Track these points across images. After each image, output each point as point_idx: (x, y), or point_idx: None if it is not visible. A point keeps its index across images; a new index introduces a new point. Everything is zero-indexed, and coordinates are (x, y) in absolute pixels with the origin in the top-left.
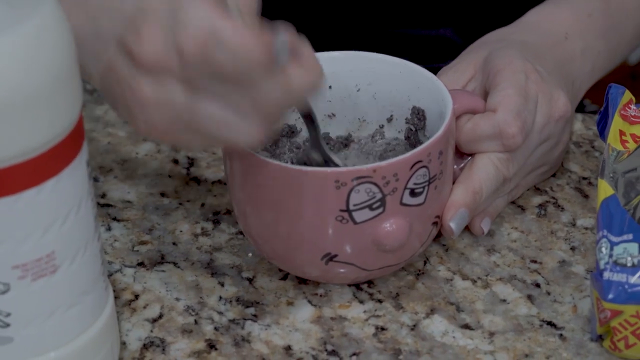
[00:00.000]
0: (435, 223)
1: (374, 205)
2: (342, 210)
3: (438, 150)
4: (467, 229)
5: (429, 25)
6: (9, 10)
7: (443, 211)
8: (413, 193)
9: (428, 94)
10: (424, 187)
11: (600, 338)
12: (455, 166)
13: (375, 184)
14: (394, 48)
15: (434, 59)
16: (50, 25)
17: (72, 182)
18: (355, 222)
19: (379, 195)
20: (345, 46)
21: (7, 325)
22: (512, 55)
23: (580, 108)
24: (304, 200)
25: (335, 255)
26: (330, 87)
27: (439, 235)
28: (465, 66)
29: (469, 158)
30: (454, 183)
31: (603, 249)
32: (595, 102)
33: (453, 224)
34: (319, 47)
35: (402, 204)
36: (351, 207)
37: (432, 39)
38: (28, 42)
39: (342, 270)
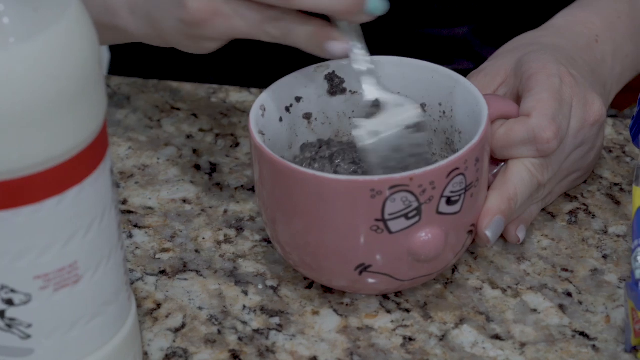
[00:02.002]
0: (470, 232)
1: (410, 215)
2: (377, 220)
3: (475, 157)
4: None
5: (448, 24)
6: (33, 15)
7: (478, 219)
8: (449, 201)
9: (461, 99)
10: (460, 195)
11: (634, 349)
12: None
13: (412, 193)
14: (408, 48)
15: (448, 60)
16: (75, 30)
17: (95, 190)
18: (390, 232)
19: (415, 204)
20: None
21: (28, 336)
22: (545, 59)
23: None
24: (337, 209)
25: (370, 266)
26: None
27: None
28: (496, 70)
29: (502, 164)
30: (488, 190)
31: (639, 259)
32: (614, 107)
33: (489, 232)
34: None
35: (438, 212)
36: (386, 217)
37: (446, 40)
38: (53, 47)
39: (375, 280)
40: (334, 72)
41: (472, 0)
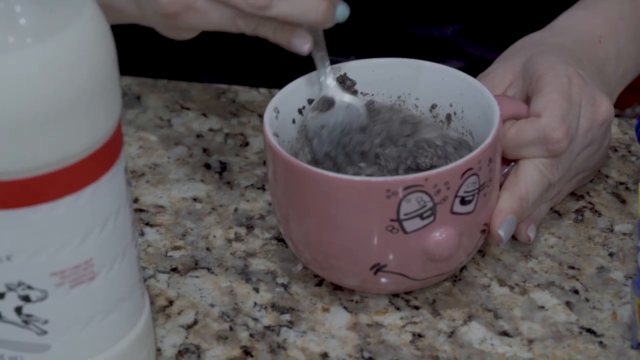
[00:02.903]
0: (483, 231)
1: (425, 215)
2: (392, 220)
3: (488, 157)
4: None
5: (438, 23)
6: (49, 16)
7: (491, 219)
8: (463, 201)
9: (472, 101)
10: (474, 195)
11: None
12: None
13: (427, 193)
14: (398, 47)
15: (438, 59)
16: (91, 31)
17: (110, 188)
18: (405, 232)
19: (430, 204)
20: (352, 46)
21: (45, 332)
22: (553, 59)
23: None
24: (353, 210)
25: (385, 266)
26: (372, 95)
27: None
28: (504, 72)
29: (513, 164)
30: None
31: None
32: (615, 107)
33: (502, 232)
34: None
35: (452, 212)
36: (402, 217)
37: (436, 40)
38: (69, 48)
39: (388, 280)
40: (345, 74)
41: (463, 0)
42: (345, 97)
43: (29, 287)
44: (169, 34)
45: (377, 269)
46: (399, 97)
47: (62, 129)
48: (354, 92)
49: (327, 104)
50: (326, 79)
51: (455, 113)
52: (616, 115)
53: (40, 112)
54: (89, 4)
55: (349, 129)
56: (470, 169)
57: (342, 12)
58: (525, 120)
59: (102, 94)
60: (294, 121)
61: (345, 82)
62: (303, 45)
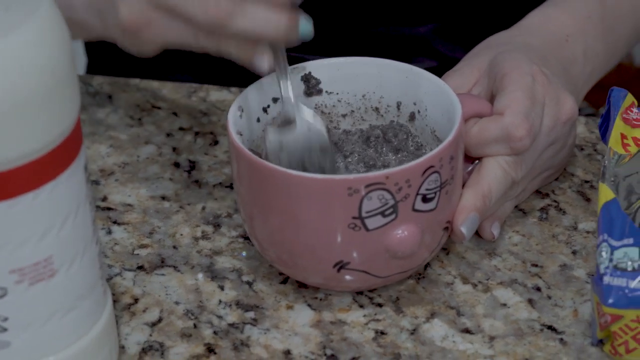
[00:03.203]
0: (446, 228)
1: (387, 212)
2: (354, 218)
3: (449, 155)
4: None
5: (411, 23)
6: (4, 15)
7: (454, 216)
8: (425, 199)
9: (435, 99)
10: (435, 193)
11: (600, 342)
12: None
13: (388, 190)
14: (370, 47)
15: (408, 58)
16: (46, 28)
17: (69, 186)
18: (367, 229)
19: (391, 202)
20: (324, 45)
21: (5, 329)
22: (518, 58)
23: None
24: (315, 208)
25: (348, 263)
26: (337, 93)
27: None
28: (470, 70)
29: (477, 162)
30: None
31: (603, 253)
32: (591, 105)
33: (464, 229)
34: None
35: (414, 210)
36: (364, 214)
37: (407, 38)
38: (25, 46)
39: (352, 277)
40: (310, 73)
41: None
42: (305, 114)
43: None
44: (132, 50)
45: (341, 266)
46: (363, 96)
47: (19, 127)
48: (319, 91)
49: (287, 121)
50: (287, 93)
51: (419, 111)
52: (591, 114)
53: None
54: (45, 3)
55: (309, 154)
56: (432, 166)
57: (306, 28)
58: (489, 118)
59: (59, 91)
60: (258, 120)
61: (310, 81)
62: (262, 65)
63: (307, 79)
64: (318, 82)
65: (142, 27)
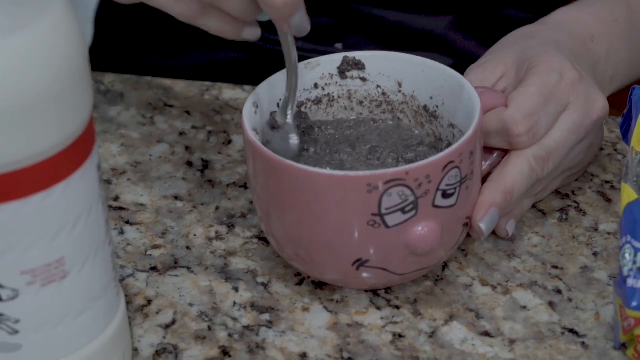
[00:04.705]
0: (465, 224)
1: (407, 209)
2: (374, 215)
3: (469, 150)
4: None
5: (430, 10)
6: (17, 11)
7: (473, 211)
8: (445, 194)
9: (452, 93)
10: (455, 188)
11: (623, 346)
12: (483, 162)
13: (408, 187)
14: (387, 42)
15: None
16: (59, 25)
17: (82, 186)
18: (387, 226)
19: (411, 198)
20: (340, 35)
21: (16, 332)
22: (550, 52)
23: None
24: (333, 205)
25: (367, 261)
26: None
27: None
28: (495, 64)
29: (495, 154)
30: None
31: (627, 255)
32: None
33: (483, 225)
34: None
35: (434, 206)
36: (383, 211)
37: (426, 35)
38: (37, 43)
39: (370, 275)
40: (355, 58)
41: None
42: (291, 134)
43: (0, 286)
44: None
45: (360, 264)
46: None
47: (31, 126)
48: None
49: (273, 124)
50: (288, 108)
51: (436, 106)
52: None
53: (8, 108)
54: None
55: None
56: (452, 162)
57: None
58: (494, 110)
59: (71, 89)
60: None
61: (355, 66)
62: (252, 34)
63: (354, 64)
64: (359, 64)
65: None
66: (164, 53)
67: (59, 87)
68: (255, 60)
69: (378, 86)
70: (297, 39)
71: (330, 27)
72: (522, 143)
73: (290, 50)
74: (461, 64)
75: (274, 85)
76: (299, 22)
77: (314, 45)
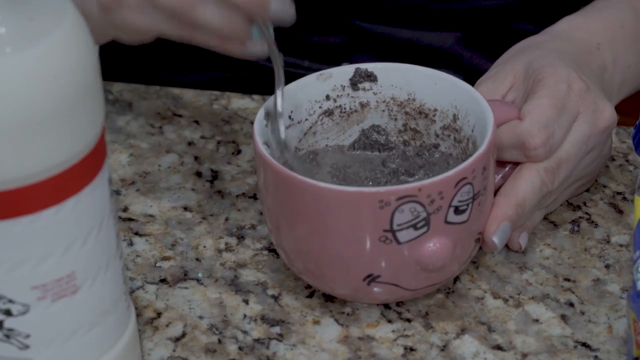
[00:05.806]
0: (477, 240)
1: (419, 225)
2: (385, 231)
3: (482, 166)
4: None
5: (438, 26)
6: (29, 25)
7: (485, 226)
8: (457, 211)
9: (465, 107)
10: (468, 204)
11: None
12: (495, 175)
13: (420, 203)
14: (397, 57)
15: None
16: (71, 38)
17: (93, 200)
18: (398, 242)
19: (423, 215)
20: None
21: (27, 346)
22: (555, 64)
23: None
24: (345, 220)
25: (378, 276)
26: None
27: None
28: (504, 75)
29: (508, 167)
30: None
31: None
32: (621, 113)
33: (496, 239)
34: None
35: (446, 222)
36: (395, 227)
37: (435, 51)
38: (49, 56)
39: (381, 290)
40: (367, 69)
41: (460, 10)
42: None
43: (10, 301)
44: (116, 35)
45: (371, 279)
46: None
47: (43, 140)
48: (372, 85)
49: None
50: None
51: (452, 118)
52: (621, 124)
53: (20, 123)
54: (70, 12)
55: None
56: (464, 178)
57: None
58: (509, 123)
59: (84, 103)
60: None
61: (367, 77)
62: (255, 49)
63: (366, 75)
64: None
65: (114, 6)
66: (171, 70)
67: (72, 101)
68: (263, 78)
69: (390, 98)
70: (304, 59)
71: (339, 45)
72: (539, 155)
73: (268, 40)
74: (470, 79)
75: (285, 96)
76: (278, 7)
77: (322, 65)
